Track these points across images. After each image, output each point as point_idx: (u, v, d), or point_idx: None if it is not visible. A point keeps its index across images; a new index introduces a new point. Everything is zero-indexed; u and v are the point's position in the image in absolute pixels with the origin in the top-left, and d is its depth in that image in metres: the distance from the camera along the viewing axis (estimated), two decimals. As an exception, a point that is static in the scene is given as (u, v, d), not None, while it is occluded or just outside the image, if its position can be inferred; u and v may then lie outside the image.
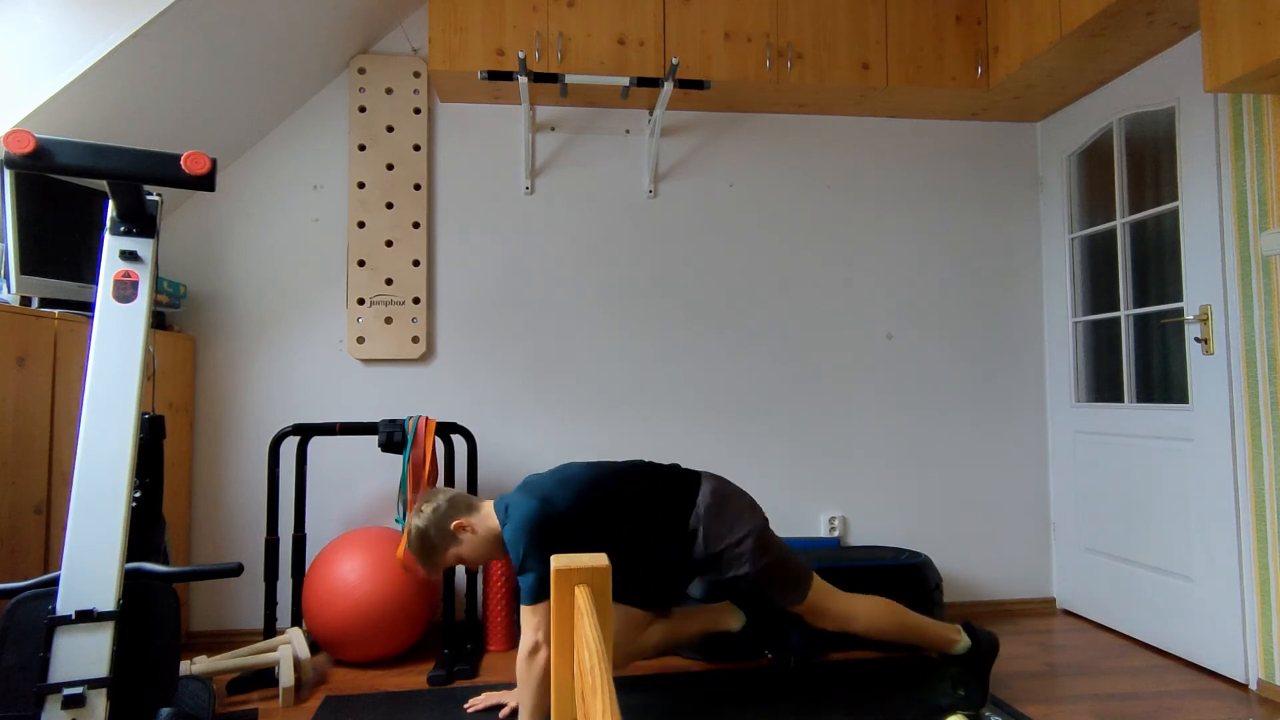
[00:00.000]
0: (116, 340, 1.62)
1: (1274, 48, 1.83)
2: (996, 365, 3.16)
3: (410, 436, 2.52)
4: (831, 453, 3.07)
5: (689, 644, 2.40)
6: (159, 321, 2.63)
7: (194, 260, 2.83)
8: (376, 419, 2.86)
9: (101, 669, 1.46)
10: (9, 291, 2.08)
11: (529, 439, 2.93)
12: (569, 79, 2.61)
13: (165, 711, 1.53)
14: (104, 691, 1.45)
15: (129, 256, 1.67)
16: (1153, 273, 2.69)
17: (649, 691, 2.25)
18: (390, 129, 2.90)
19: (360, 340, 2.84)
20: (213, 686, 2.10)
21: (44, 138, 1.50)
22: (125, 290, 1.65)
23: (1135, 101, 2.70)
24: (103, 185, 2.28)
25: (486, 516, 2.03)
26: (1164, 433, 2.56)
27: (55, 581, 1.49)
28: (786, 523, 3.03)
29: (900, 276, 3.14)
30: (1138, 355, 2.74)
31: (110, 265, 1.65)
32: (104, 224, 2.06)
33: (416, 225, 2.90)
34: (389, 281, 2.87)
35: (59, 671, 1.44)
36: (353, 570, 2.39)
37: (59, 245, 2.19)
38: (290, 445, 2.83)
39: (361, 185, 2.87)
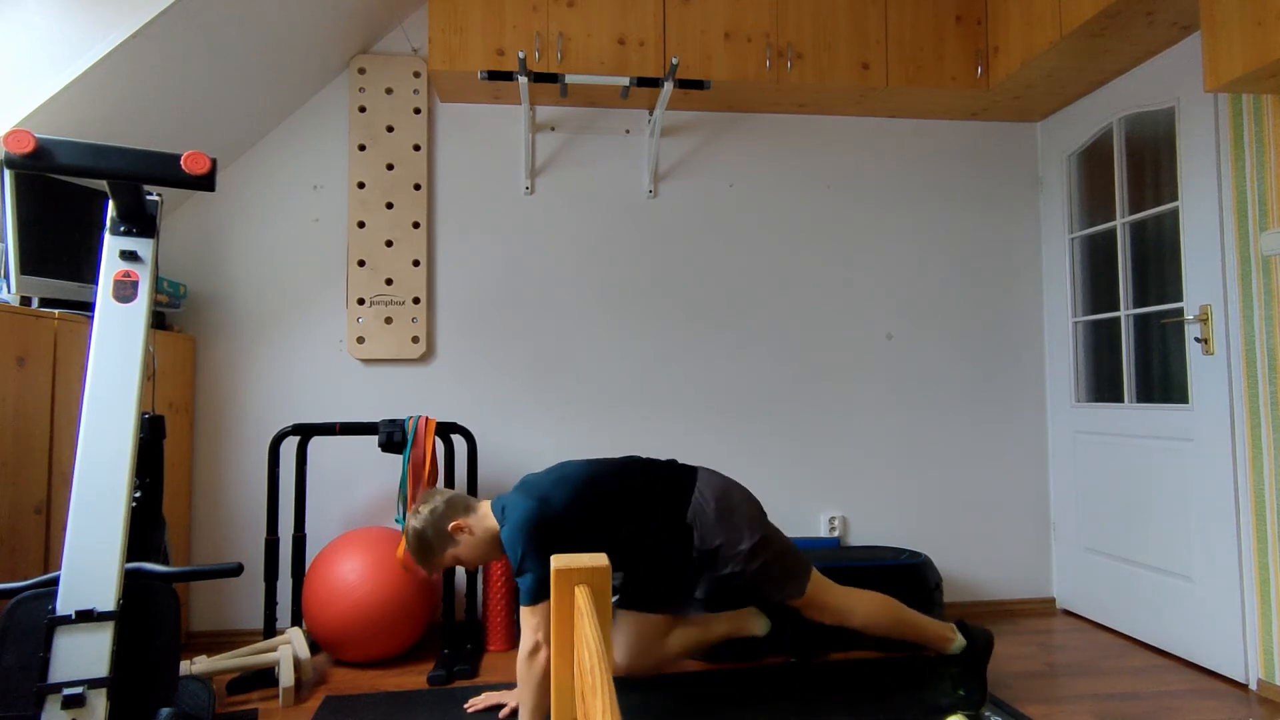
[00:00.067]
0: (116, 340, 1.62)
1: (1274, 48, 1.83)
2: (996, 365, 3.16)
3: (410, 436, 2.52)
4: (831, 453, 3.07)
5: (714, 648, 2.40)
6: (159, 321, 2.63)
7: (194, 260, 2.83)
8: (376, 419, 2.86)
9: (101, 669, 1.46)
10: (9, 291, 2.08)
11: (529, 439, 2.93)
12: (569, 79, 2.61)
13: (165, 711, 1.53)
14: (104, 691, 1.45)
15: (129, 256, 1.67)
16: (1153, 273, 2.69)
17: (649, 691, 2.25)
18: (390, 129, 2.90)
19: (360, 340, 2.84)
20: (213, 686, 2.10)
21: (44, 138, 1.50)
22: (125, 290, 1.65)
23: (1135, 101, 2.70)
24: (103, 185, 2.28)
25: (484, 517, 2.03)
26: (1164, 433, 2.56)
27: (55, 581, 1.49)
28: (786, 523, 3.03)
29: (900, 276, 3.14)
30: (1138, 355, 2.74)
31: (110, 265, 1.65)
32: (104, 224, 2.06)
33: (416, 225, 2.90)
34: (389, 281, 2.87)
35: (59, 671, 1.44)
36: (353, 570, 2.39)
37: (59, 245, 2.19)
38: (290, 445, 2.83)
39: (361, 185, 2.87)
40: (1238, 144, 2.30)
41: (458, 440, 2.92)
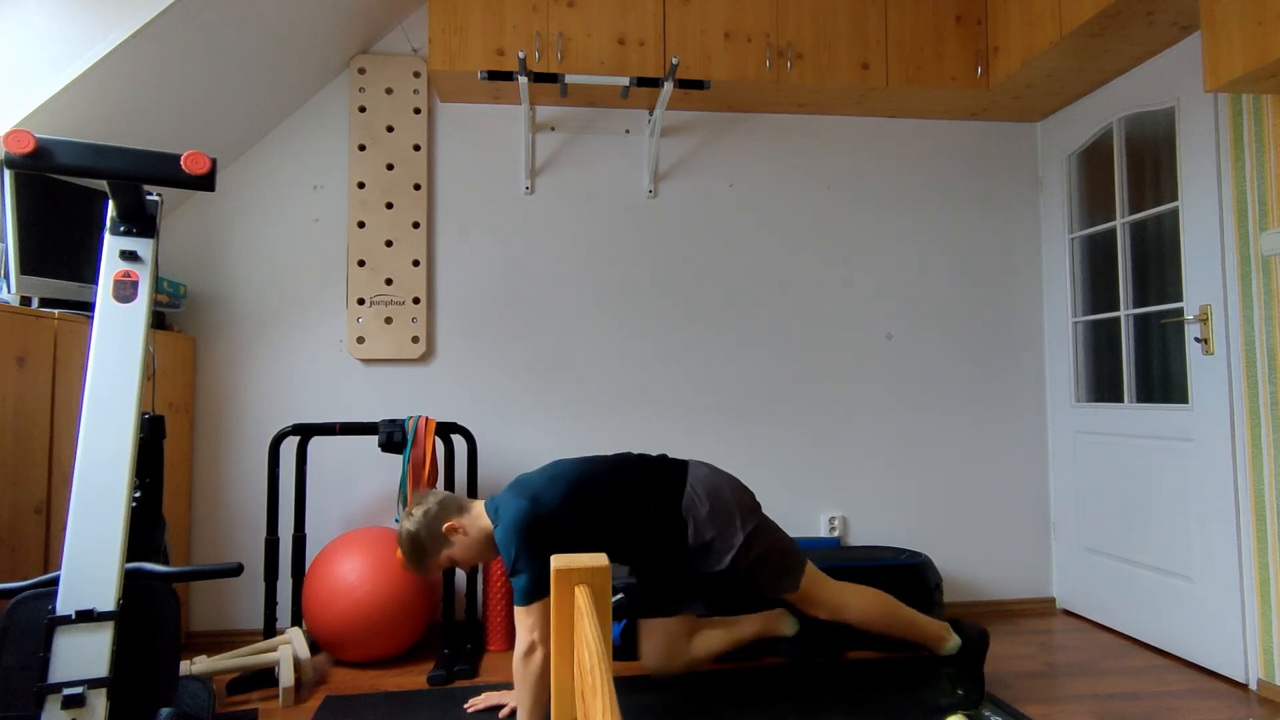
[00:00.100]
0: (116, 340, 1.62)
1: (1274, 48, 1.83)
2: (996, 365, 3.16)
3: (410, 436, 2.52)
4: (831, 453, 3.07)
5: (741, 649, 2.38)
6: (159, 321, 2.63)
7: (194, 260, 2.83)
8: (376, 419, 2.87)
9: (101, 669, 1.46)
10: (9, 291, 2.08)
11: (529, 439, 2.93)
12: (569, 79, 2.61)
13: (165, 711, 1.53)
14: (104, 691, 1.45)
15: (129, 256, 1.67)
16: (1153, 273, 2.69)
17: (649, 691, 2.25)
18: (390, 129, 2.90)
19: (360, 340, 2.84)
20: (213, 686, 2.11)
21: (44, 138, 1.50)
22: (125, 290, 1.65)
23: (1135, 101, 2.70)
24: (103, 185, 2.28)
25: (478, 517, 2.02)
26: (1164, 433, 2.56)
27: (55, 581, 1.49)
28: (787, 522, 3.03)
29: (900, 276, 3.14)
30: (1138, 355, 2.74)
31: (110, 265, 1.65)
32: (104, 224, 2.06)
33: (416, 225, 2.90)
34: (389, 281, 2.87)
35: (59, 671, 1.44)
36: (353, 570, 2.39)
37: (59, 245, 2.19)
38: (290, 445, 2.83)
39: (361, 185, 2.87)
40: (1238, 144, 2.30)
41: (458, 440, 2.92)
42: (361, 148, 2.88)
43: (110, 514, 1.53)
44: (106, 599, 1.49)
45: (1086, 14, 2.35)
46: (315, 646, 2.61)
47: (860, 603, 2.09)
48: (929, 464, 3.10)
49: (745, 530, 2.01)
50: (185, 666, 2.27)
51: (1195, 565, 2.44)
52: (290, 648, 2.30)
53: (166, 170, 1.58)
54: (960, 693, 2.10)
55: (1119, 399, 2.81)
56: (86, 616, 1.46)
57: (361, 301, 2.85)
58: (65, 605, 1.47)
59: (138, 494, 1.90)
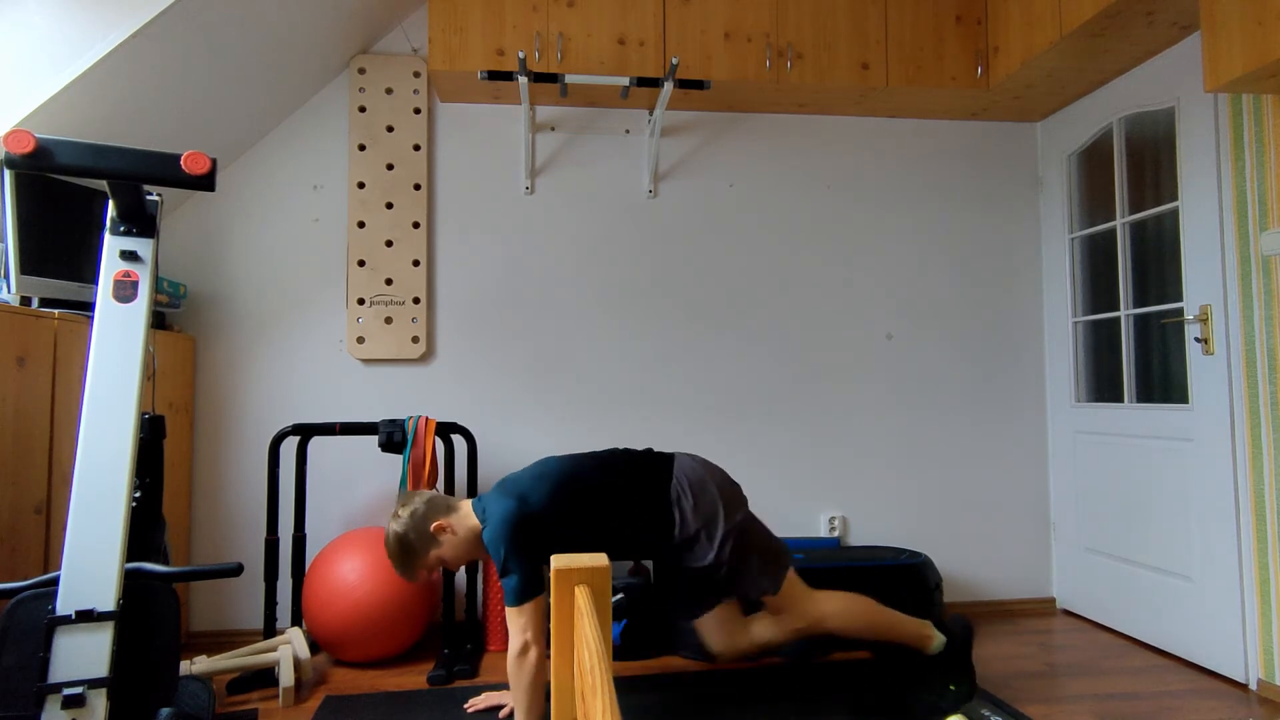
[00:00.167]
0: (116, 340, 1.62)
1: (1274, 48, 1.83)
2: (996, 365, 3.16)
3: (410, 436, 2.52)
4: (831, 453, 3.07)
5: (788, 642, 2.33)
6: (159, 321, 2.63)
7: (194, 260, 2.83)
8: (376, 419, 2.87)
9: (101, 669, 1.46)
10: (9, 291, 2.08)
11: (529, 439, 2.93)
12: (569, 79, 2.61)
13: (165, 711, 1.53)
14: (104, 691, 1.45)
15: (129, 256, 1.67)
16: (1153, 273, 2.69)
17: (649, 691, 2.25)
18: (390, 129, 2.90)
19: (360, 340, 2.84)
20: (213, 686, 2.11)
21: (44, 138, 1.50)
22: (125, 290, 1.65)
23: (1135, 101, 2.70)
24: (103, 185, 2.28)
25: (466, 516, 2.01)
26: (1164, 433, 2.56)
27: (55, 581, 1.49)
28: (786, 523, 3.03)
29: (900, 276, 3.14)
30: (1138, 355, 2.74)
31: (110, 265, 1.65)
32: (104, 224, 2.06)
33: (416, 225, 2.90)
34: (389, 281, 2.87)
35: (59, 671, 1.44)
36: (353, 570, 2.39)
37: (59, 245, 2.19)
38: (290, 445, 2.83)
39: (361, 185, 2.87)
40: (1238, 144, 2.30)
41: (458, 440, 2.92)
42: (361, 148, 2.88)
43: (110, 514, 1.53)
44: (106, 599, 1.49)
45: (1086, 14, 2.35)
46: (315, 646, 2.61)
47: (839, 612, 2.05)
48: (929, 464, 3.10)
49: (729, 523, 1.99)
50: (185, 666, 2.27)
51: (1195, 565, 2.44)
52: (290, 648, 2.30)
53: (166, 170, 1.58)
54: (953, 689, 2.10)
55: (1119, 399, 2.81)
56: (86, 616, 1.46)
57: (361, 301, 2.85)
58: (65, 605, 1.47)
59: (138, 494, 1.90)
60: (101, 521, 1.52)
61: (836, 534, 3.04)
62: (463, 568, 2.83)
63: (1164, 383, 2.63)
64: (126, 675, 1.53)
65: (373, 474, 2.86)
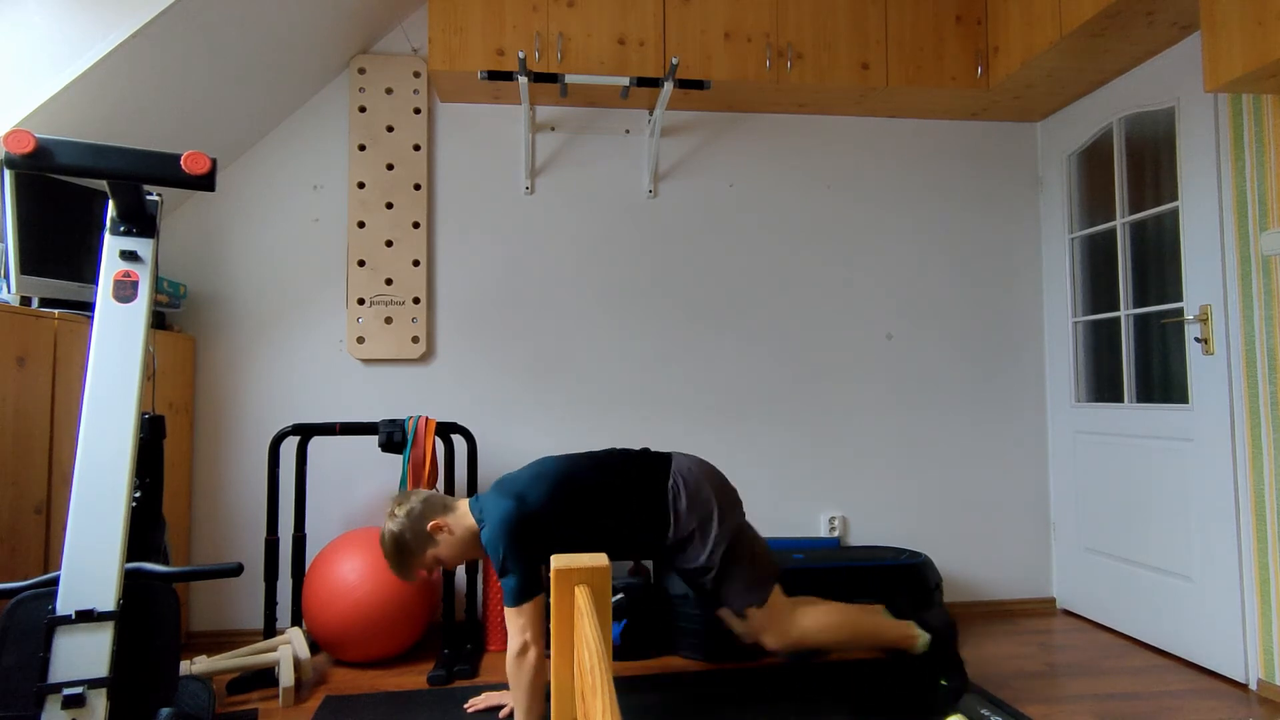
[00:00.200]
0: (116, 340, 1.62)
1: (1274, 48, 1.83)
2: (996, 365, 3.16)
3: (410, 436, 2.52)
4: (831, 453, 3.07)
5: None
6: (159, 321, 2.63)
7: (194, 260, 2.83)
8: (376, 419, 2.86)
9: (101, 669, 1.46)
10: (9, 291, 2.08)
11: (529, 439, 2.93)
12: (569, 79, 2.61)
13: (165, 711, 1.53)
14: (104, 691, 1.45)
15: (129, 256, 1.67)
16: (1153, 273, 2.69)
17: (649, 691, 2.25)
18: (390, 129, 2.90)
19: (360, 340, 2.84)
20: (213, 686, 2.11)
21: (44, 138, 1.50)
22: (125, 290, 1.65)
23: (1135, 101, 2.70)
24: (103, 185, 2.28)
25: (463, 516, 2.01)
26: (1164, 433, 2.56)
27: (55, 581, 1.49)
28: (786, 523, 3.03)
29: (900, 276, 3.14)
30: (1138, 355, 2.74)
31: (110, 265, 1.65)
32: (104, 224, 2.06)
33: (416, 225, 2.90)
34: (389, 281, 2.87)
35: (59, 671, 1.44)
36: (353, 570, 2.39)
37: (59, 245, 2.19)
38: (290, 445, 2.83)
39: (361, 185, 2.87)
40: (1238, 144, 2.30)
41: (458, 440, 2.92)
42: (361, 148, 2.88)
43: (110, 514, 1.53)
44: (106, 599, 1.49)
45: (1086, 14, 2.35)
46: (315, 646, 2.61)
47: (820, 628, 2.00)
48: (929, 464, 3.10)
49: (723, 527, 1.98)
50: (185, 666, 2.27)
51: (1195, 565, 2.44)
52: (290, 648, 2.30)
53: (166, 170, 1.58)
54: (945, 684, 2.09)
55: (1119, 399, 2.81)
56: (86, 616, 1.46)
57: (361, 301, 2.85)
58: (65, 605, 1.47)
59: (138, 494, 1.90)
60: (101, 521, 1.52)
61: (836, 534, 3.04)
62: (462, 567, 2.83)
63: (1164, 383, 2.63)
64: (126, 675, 1.53)
65: (373, 474, 2.86)
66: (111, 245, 1.67)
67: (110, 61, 2.09)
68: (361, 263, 2.86)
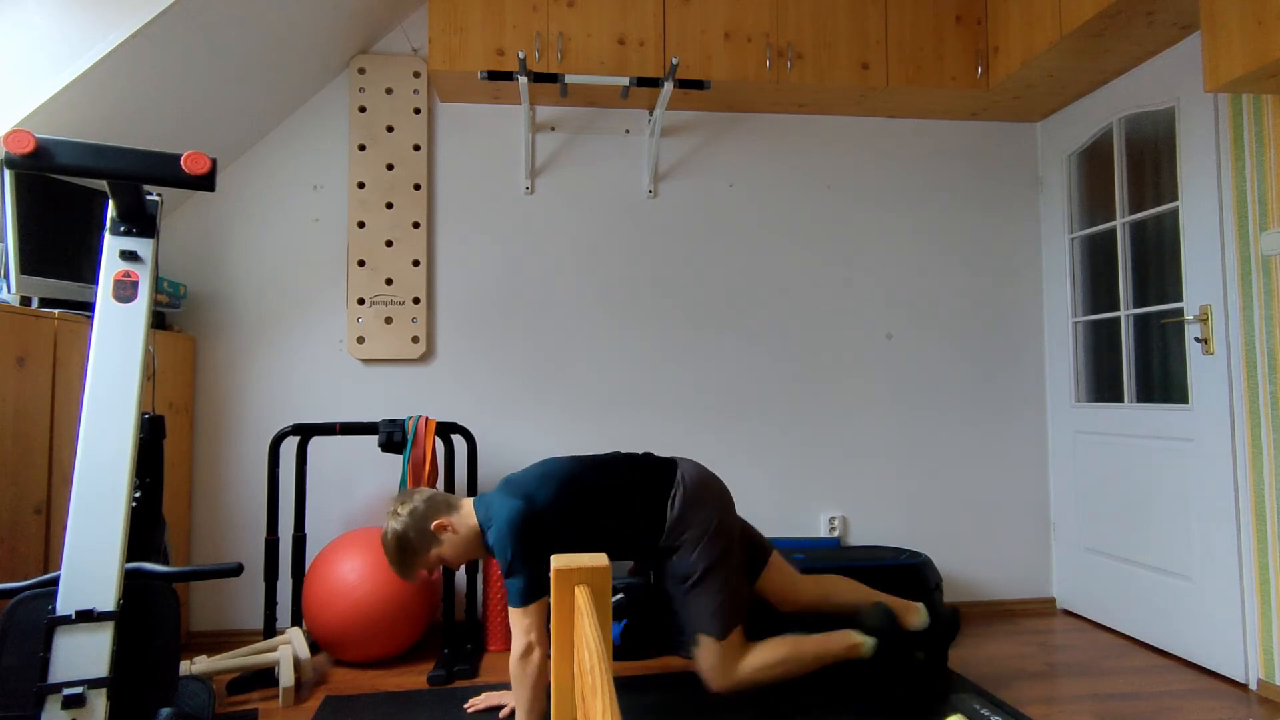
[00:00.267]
0: (116, 340, 1.62)
1: (1274, 48, 1.83)
2: (996, 365, 3.16)
3: (410, 436, 2.52)
4: (831, 453, 3.07)
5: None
6: (159, 321, 2.63)
7: (194, 260, 2.83)
8: (376, 419, 2.86)
9: (101, 669, 1.46)
10: (9, 291, 2.08)
11: (529, 439, 2.93)
12: (569, 79, 2.61)
13: (165, 711, 1.53)
14: (104, 691, 1.45)
15: (129, 256, 1.67)
16: (1153, 273, 2.69)
17: (649, 692, 2.25)
18: (390, 129, 2.90)
19: (360, 340, 2.84)
20: (213, 686, 2.10)
21: (44, 138, 1.50)
22: (125, 290, 1.65)
23: (1135, 101, 2.70)
24: (103, 185, 2.28)
25: (467, 515, 2.00)
26: (1164, 433, 2.56)
27: (55, 581, 1.49)
28: (786, 523, 3.03)
29: (900, 276, 3.14)
30: (1138, 355, 2.74)
31: (110, 265, 1.65)
32: (104, 224, 2.06)
33: (416, 225, 2.90)
34: (389, 281, 2.87)
35: (59, 671, 1.44)
36: (353, 570, 2.39)
37: (59, 245, 2.19)
38: (290, 445, 2.83)
39: (361, 185, 2.87)
40: (1238, 144, 2.30)
41: (458, 440, 2.92)
42: (361, 148, 2.88)
43: (110, 514, 1.53)
44: (106, 599, 1.49)
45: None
46: (315, 646, 2.61)
47: (759, 667, 1.96)
48: (929, 464, 3.10)
49: (716, 538, 1.97)
50: (185, 666, 2.27)
51: (1195, 565, 2.44)
52: (290, 648, 2.30)
53: (166, 170, 1.58)
54: (921, 655, 2.13)
55: (1119, 399, 2.81)
56: (86, 616, 1.46)
57: (361, 301, 2.85)
58: (65, 605, 1.47)
59: (138, 494, 1.90)
60: (101, 521, 1.52)
61: (836, 534, 3.04)
62: (463, 567, 2.83)
63: (1164, 383, 2.63)
64: (126, 675, 1.53)
65: (373, 474, 2.86)
66: (111, 245, 1.67)
67: (110, 61, 2.09)
68: (361, 263, 2.86)
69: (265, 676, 2.30)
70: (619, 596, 2.59)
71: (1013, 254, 3.20)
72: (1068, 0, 2.43)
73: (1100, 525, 2.86)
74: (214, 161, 1.61)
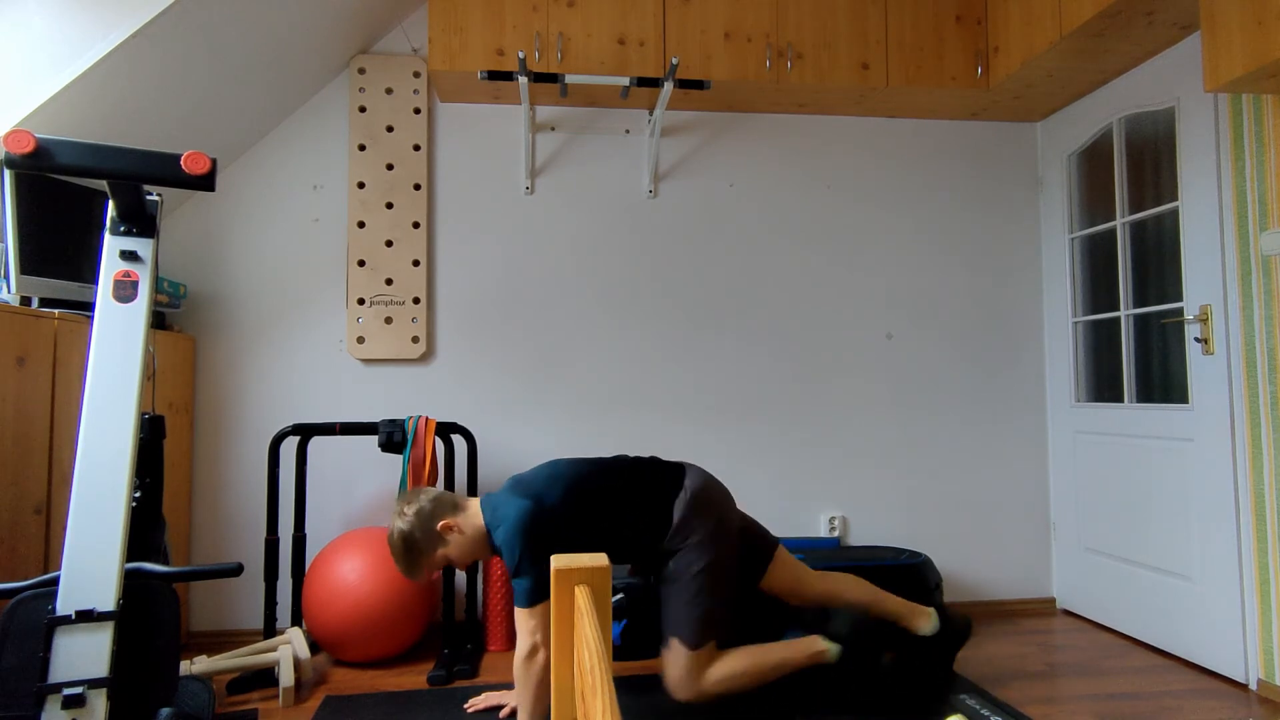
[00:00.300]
0: (116, 340, 1.62)
1: (1274, 48, 1.83)
2: (996, 365, 3.16)
3: (410, 436, 2.52)
4: (831, 453, 3.07)
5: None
6: (159, 321, 2.63)
7: (194, 260, 2.83)
8: (376, 419, 2.86)
9: (101, 669, 1.46)
10: (9, 291, 2.08)
11: (529, 439, 2.93)
12: (569, 79, 2.61)
13: (165, 711, 1.53)
14: (104, 691, 1.45)
15: (129, 256, 1.67)
16: (1153, 273, 2.69)
17: (649, 692, 2.25)
18: (390, 129, 2.90)
19: (360, 340, 2.84)
20: (213, 686, 2.10)
21: (44, 138, 1.50)
22: (125, 290, 1.65)
23: (1135, 101, 2.70)
24: (103, 185, 2.28)
25: (473, 516, 2.00)
26: (1164, 433, 2.56)
27: (55, 581, 1.49)
28: (786, 522, 3.03)
29: (900, 276, 3.14)
30: (1138, 355, 2.74)
31: (110, 265, 1.65)
32: (104, 224, 2.06)
33: (416, 225, 2.90)
34: (389, 281, 2.87)
35: (59, 671, 1.44)
36: (353, 570, 2.39)
37: (59, 245, 2.19)
38: (290, 445, 2.83)
39: (361, 185, 2.87)
40: (1238, 144, 2.30)
41: (458, 440, 2.92)
42: (361, 148, 2.88)
43: (110, 514, 1.53)
44: (106, 599, 1.49)
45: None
46: (315, 646, 2.61)
47: (723, 678, 1.95)
48: (929, 464, 3.10)
49: (715, 545, 1.97)
50: (185, 666, 2.27)
51: (1195, 565, 2.44)
52: (290, 648, 2.30)
53: (166, 170, 1.58)
54: (890, 659, 2.20)
55: (1119, 399, 2.81)
56: (86, 616, 1.46)
57: (361, 301, 2.85)
58: (65, 605, 1.47)
59: (138, 494, 1.90)
60: (101, 521, 1.52)
61: (836, 534, 3.04)
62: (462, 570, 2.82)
63: (1164, 383, 2.63)
64: (126, 675, 1.53)
65: (373, 474, 2.86)
66: (111, 245, 1.67)
67: (110, 61, 2.09)
68: (361, 263, 2.86)
69: (265, 676, 2.30)
70: (619, 596, 2.59)
71: (1013, 254, 3.20)
72: (1068, 0, 2.44)
73: (1100, 525, 2.86)
74: (214, 161, 1.61)
